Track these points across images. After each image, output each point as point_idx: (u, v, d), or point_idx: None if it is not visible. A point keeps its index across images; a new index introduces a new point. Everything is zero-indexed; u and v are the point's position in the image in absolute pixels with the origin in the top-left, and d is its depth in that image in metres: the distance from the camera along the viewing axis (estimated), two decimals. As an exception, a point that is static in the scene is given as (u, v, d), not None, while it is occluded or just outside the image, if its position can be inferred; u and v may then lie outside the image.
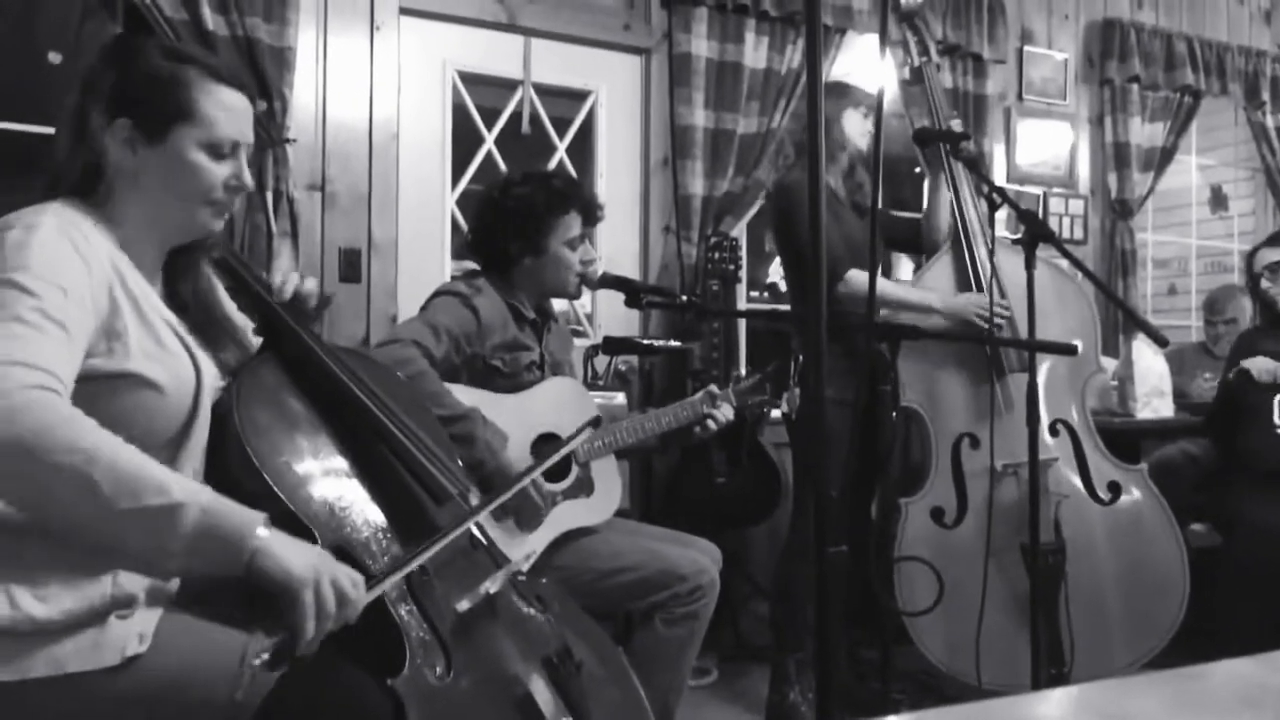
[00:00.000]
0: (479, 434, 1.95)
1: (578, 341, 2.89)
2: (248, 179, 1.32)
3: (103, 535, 1.06)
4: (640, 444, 2.22)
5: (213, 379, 1.32)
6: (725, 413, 2.23)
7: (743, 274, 3.45)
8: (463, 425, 1.94)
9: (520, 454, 2.08)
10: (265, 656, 1.07)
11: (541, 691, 1.36)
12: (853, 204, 2.76)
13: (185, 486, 1.07)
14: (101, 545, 1.11)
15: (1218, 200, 5.10)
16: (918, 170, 4.05)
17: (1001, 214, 2.47)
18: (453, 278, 2.62)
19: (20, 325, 1.08)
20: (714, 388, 2.35)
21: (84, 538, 1.10)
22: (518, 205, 2.19)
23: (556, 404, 2.16)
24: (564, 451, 1.65)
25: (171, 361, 1.25)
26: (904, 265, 2.89)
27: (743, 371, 3.14)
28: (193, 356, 1.29)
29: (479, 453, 1.95)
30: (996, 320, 2.58)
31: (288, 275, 1.47)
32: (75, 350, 1.13)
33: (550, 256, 2.19)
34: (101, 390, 1.17)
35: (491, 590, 1.39)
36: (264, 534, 1.09)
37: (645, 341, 3.21)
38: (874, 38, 3.71)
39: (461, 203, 3.31)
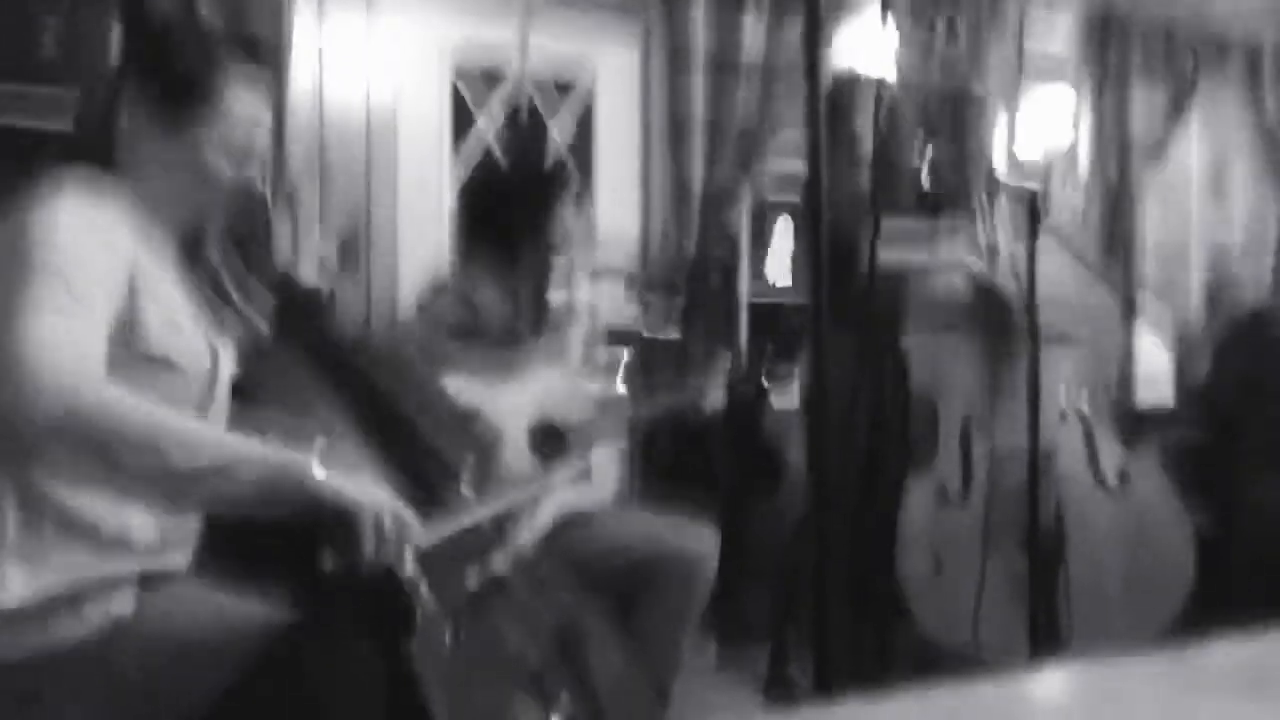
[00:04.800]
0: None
1: (574, 332, 2.89)
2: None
3: (174, 492, 1.17)
4: None
5: (228, 363, 1.34)
6: (716, 397, 2.25)
7: (742, 264, 3.44)
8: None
9: (518, 445, 2.08)
10: (329, 566, 1.17)
11: (546, 669, 1.38)
12: None
13: (240, 441, 1.17)
14: (174, 500, 1.23)
15: (1217, 187, 5.09)
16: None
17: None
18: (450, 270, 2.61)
19: (54, 307, 1.10)
20: (707, 374, 2.37)
21: (155, 496, 1.21)
22: (506, 196, 2.18)
23: (551, 394, 2.16)
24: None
25: (188, 345, 1.27)
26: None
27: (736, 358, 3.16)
28: (209, 340, 1.30)
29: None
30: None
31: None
32: (104, 331, 1.16)
33: (542, 246, 2.18)
34: (119, 373, 1.17)
35: (498, 569, 1.43)
36: (320, 471, 1.17)
37: (643, 333, 3.20)
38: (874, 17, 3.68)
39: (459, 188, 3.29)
